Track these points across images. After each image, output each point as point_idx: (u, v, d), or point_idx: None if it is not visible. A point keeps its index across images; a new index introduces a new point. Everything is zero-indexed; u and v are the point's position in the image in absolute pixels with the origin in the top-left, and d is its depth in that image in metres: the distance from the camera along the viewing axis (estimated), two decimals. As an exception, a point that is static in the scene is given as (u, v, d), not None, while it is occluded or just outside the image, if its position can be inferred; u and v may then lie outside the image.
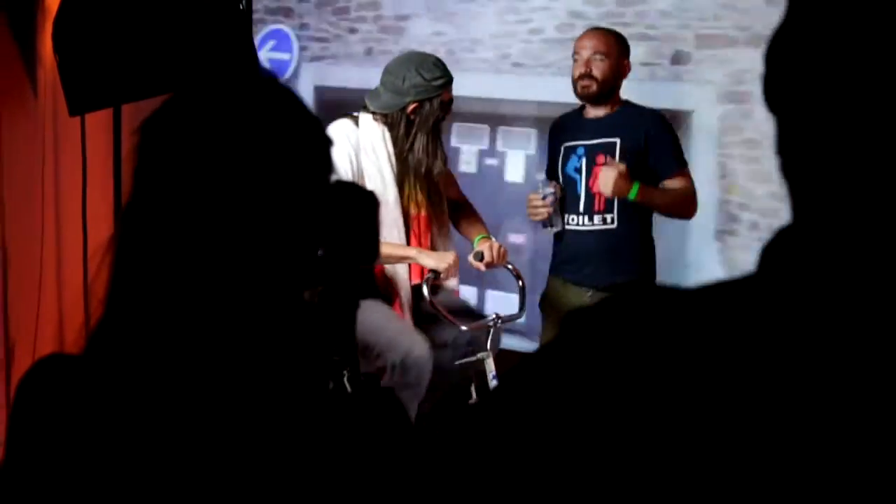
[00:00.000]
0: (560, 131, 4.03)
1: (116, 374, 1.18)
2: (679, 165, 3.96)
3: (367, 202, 1.31)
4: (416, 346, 3.61)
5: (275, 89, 1.25)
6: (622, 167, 3.75)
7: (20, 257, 3.45)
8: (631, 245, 3.97)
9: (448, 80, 3.83)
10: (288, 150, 1.20)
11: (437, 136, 3.84)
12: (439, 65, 3.85)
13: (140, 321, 1.19)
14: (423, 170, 3.81)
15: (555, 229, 3.94)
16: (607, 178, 3.75)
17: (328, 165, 1.25)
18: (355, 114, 3.86)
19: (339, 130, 3.74)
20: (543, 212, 3.86)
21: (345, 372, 2.09)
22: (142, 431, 1.16)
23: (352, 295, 1.33)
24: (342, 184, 1.28)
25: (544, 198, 3.87)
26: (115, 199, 3.50)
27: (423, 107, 3.79)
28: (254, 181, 1.17)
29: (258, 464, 1.15)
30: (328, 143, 1.25)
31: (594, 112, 3.95)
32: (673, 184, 3.92)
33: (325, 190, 1.24)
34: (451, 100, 3.85)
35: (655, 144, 3.91)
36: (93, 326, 1.24)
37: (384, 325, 3.60)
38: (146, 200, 1.21)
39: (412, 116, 3.79)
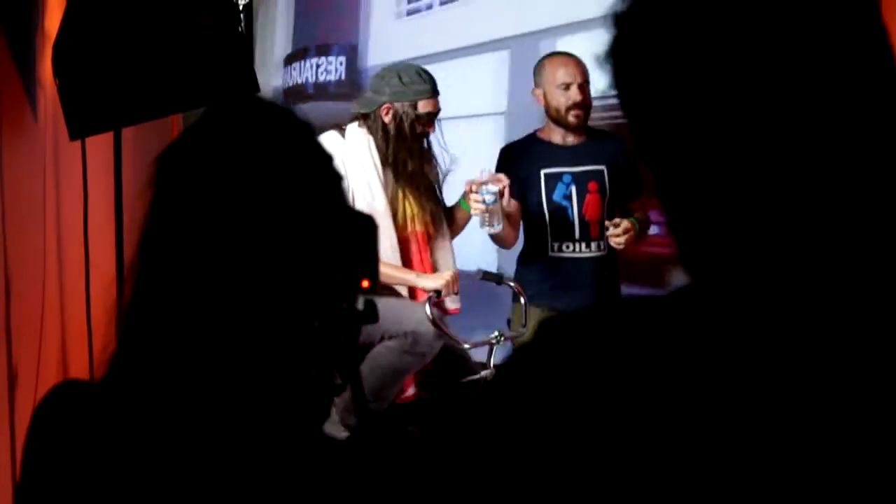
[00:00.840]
0: (529, 157, 3.97)
1: (132, 402, 1.20)
2: (643, 188, 4.01)
3: (365, 226, 1.32)
4: (425, 322, 3.62)
5: (285, 118, 1.26)
6: (631, 222, 3.82)
7: (23, 280, 3.46)
8: (615, 269, 4.03)
9: (427, 90, 3.81)
10: (301, 181, 1.22)
11: (418, 145, 3.82)
12: (424, 75, 3.84)
13: (156, 350, 1.21)
14: (407, 179, 3.81)
15: (493, 230, 3.84)
16: (626, 237, 3.79)
17: (339, 195, 1.27)
18: (342, 125, 3.88)
19: (325, 143, 3.73)
20: (479, 207, 3.77)
21: (347, 388, 2.10)
22: (156, 459, 1.17)
23: (354, 320, 1.34)
24: (342, 209, 1.29)
25: (484, 199, 3.76)
26: (117, 221, 3.51)
27: (396, 110, 3.79)
28: (268, 213, 1.19)
29: (267, 493, 1.16)
30: (338, 175, 1.27)
31: (563, 137, 3.96)
32: (636, 206, 4.00)
33: (333, 217, 1.25)
34: (431, 112, 3.82)
35: (627, 168, 3.96)
36: (102, 363, 1.25)
37: (393, 304, 3.62)
38: (162, 233, 1.22)
39: (387, 119, 3.80)
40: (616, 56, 0.81)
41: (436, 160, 3.94)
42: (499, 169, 3.97)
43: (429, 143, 3.90)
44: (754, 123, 0.73)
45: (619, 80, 0.81)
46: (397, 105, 3.79)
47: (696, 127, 0.75)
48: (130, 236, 3.30)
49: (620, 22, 0.80)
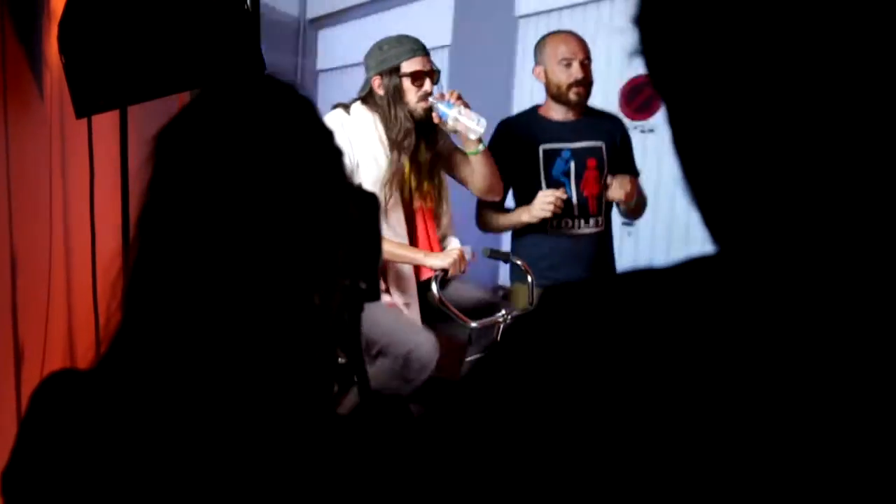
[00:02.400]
0: (527, 132, 3.96)
1: (128, 389, 1.19)
2: (637, 171, 4.11)
3: (367, 202, 1.31)
4: (420, 343, 3.62)
5: (285, 94, 1.25)
6: (632, 179, 3.85)
7: (29, 260, 3.45)
8: (611, 245, 4.05)
9: (406, 49, 3.81)
10: (301, 157, 1.21)
11: (419, 110, 3.81)
12: (403, 39, 3.86)
13: (153, 334, 1.20)
14: (408, 153, 3.80)
15: (482, 128, 3.77)
16: (627, 188, 3.79)
17: (339, 171, 1.26)
18: (347, 103, 3.90)
19: (331, 121, 3.74)
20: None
21: (354, 378, 2.09)
22: (152, 446, 1.16)
23: (357, 297, 1.33)
24: (344, 185, 1.28)
25: (441, 115, 3.77)
26: (123, 201, 3.50)
27: (384, 80, 3.81)
28: (268, 189, 1.18)
29: (267, 474, 1.15)
30: (338, 151, 1.26)
31: (564, 115, 3.96)
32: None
33: (335, 195, 1.25)
34: (418, 70, 3.81)
35: (624, 147, 3.99)
36: (105, 339, 1.24)
37: (388, 321, 3.61)
38: (161, 209, 1.22)
39: (380, 92, 3.81)
40: (649, 28, 0.79)
41: (438, 130, 3.93)
42: (496, 142, 3.98)
43: (429, 115, 3.88)
44: (793, 100, 0.71)
45: (650, 50, 0.79)
46: (384, 75, 3.82)
47: (734, 99, 0.73)
48: (137, 214, 3.31)
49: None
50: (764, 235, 0.74)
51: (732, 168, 0.75)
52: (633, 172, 4.05)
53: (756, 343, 0.71)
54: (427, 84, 3.81)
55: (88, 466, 1.16)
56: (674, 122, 0.80)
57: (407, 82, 3.80)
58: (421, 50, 3.85)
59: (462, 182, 4.01)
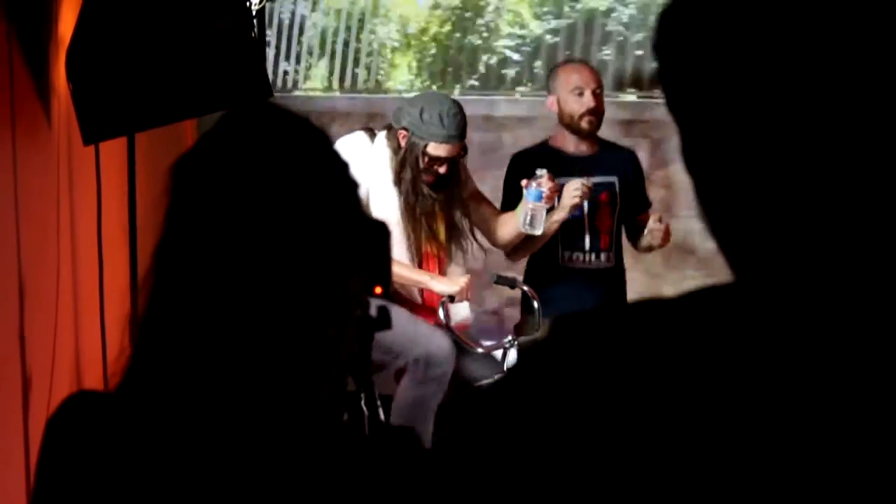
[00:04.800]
0: (540, 165, 3.90)
1: (147, 413, 1.20)
2: (649, 201, 4.12)
3: (378, 232, 1.32)
4: (437, 341, 3.62)
5: (301, 127, 1.26)
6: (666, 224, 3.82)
7: (36, 286, 3.45)
8: (623, 281, 4.03)
9: (442, 135, 3.73)
10: (318, 190, 1.22)
11: (424, 181, 3.78)
12: (447, 119, 3.74)
13: (171, 358, 1.21)
14: (414, 203, 3.79)
15: (531, 230, 3.82)
16: (663, 234, 3.77)
17: (355, 204, 1.27)
18: (374, 129, 3.87)
19: (351, 143, 3.73)
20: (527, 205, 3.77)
21: (361, 395, 2.09)
22: (172, 469, 1.17)
23: (368, 327, 1.33)
24: (357, 216, 1.29)
25: (528, 194, 3.75)
26: (130, 226, 3.51)
27: (410, 139, 3.76)
28: (285, 222, 1.19)
29: (281, 498, 1.15)
30: (354, 183, 1.26)
31: (577, 146, 3.96)
32: (643, 218, 4.03)
33: (351, 228, 1.25)
34: (443, 157, 3.75)
35: (637, 182, 3.99)
36: (122, 362, 1.25)
37: (404, 325, 3.60)
38: (178, 241, 1.22)
39: (402, 143, 3.78)
40: (664, 50, 0.79)
41: (456, 195, 3.91)
42: (509, 176, 3.96)
43: (452, 178, 3.86)
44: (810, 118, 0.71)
45: (665, 74, 0.79)
46: (412, 137, 3.77)
47: (746, 125, 0.74)
48: (144, 241, 3.32)
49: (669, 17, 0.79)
50: (778, 257, 0.75)
51: (745, 189, 0.75)
52: (645, 204, 4.04)
53: (772, 369, 0.71)
54: (443, 168, 3.78)
55: (109, 489, 1.17)
56: (686, 145, 0.80)
57: (426, 158, 3.76)
58: (456, 138, 3.77)
59: (479, 229, 3.99)
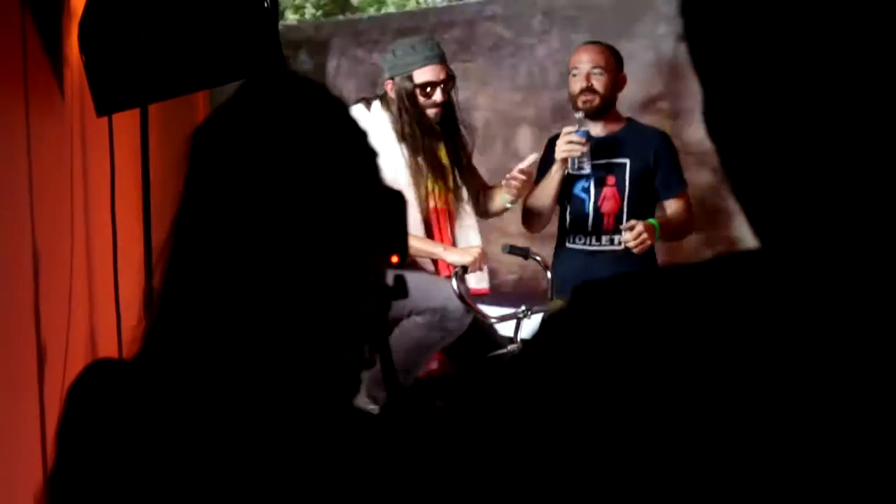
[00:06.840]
0: (555, 146, 3.91)
1: (167, 381, 1.20)
2: (683, 186, 3.99)
3: (395, 201, 1.31)
4: (455, 299, 3.63)
5: (319, 95, 1.26)
6: (647, 224, 3.74)
7: (51, 259, 3.46)
8: (632, 267, 3.95)
9: (418, 59, 3.80)
10: (338, 158, 1.22)
11: (426, 119, 3.81)
12: (418, 45, 3.84)
13: (190, 327, 1.21)
14: (422, 154, 3.80)
15: (585, 172, 3.84)
16: (642, 239, 3.70)
17: (374, 172, 1.26)
18: (370, 98, 3.91)
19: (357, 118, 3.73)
20: (579, 149, 3.78)
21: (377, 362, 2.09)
22: (191, 437, 1.17)
23: (385, 295, 1.33)
24: (375, 184, 1.28)
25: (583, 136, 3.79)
26: (144, 197, 3.51)
27: (396, 84, 3.81)
28: (304, 191, 1.19)
29: (297, 466, 1.15)
30: (373, 151, 1.26)
31: (594, 129, 3.93)
32: (672, 204, 3.95)
33: (371, 196, 1.25)
34: (430, 81, 3.80)
35: (663, 164, 3.92)
36: (137, 332, 1.25)
37: (422, 279, 3.64)
38: (198, 209, 1.22)
39: (392, 95, 3.83)
40: (690, 10, 0.78)
41: (461, 136, 3.94)
42: (544, 158, 4.00)
43: (450, 119, 3.89)
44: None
45: (691, 34, 0.78)
46: (396, 79, 3.82)
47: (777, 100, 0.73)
48: (158, 212, 3.33)
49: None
50: (804, 227, 0.74)
51: (770, 152, 0.74)
52: (676, 187, 3.97)
53: (793, 340, 0.70)
54: (438, 94, 3.80)
55: (130, 458, 1.17)
56: (709, 108, 0.79)
57: (418, 90, 3.79)
58: (435, 58, 3.82)
59: (471, 194, 4.01)
